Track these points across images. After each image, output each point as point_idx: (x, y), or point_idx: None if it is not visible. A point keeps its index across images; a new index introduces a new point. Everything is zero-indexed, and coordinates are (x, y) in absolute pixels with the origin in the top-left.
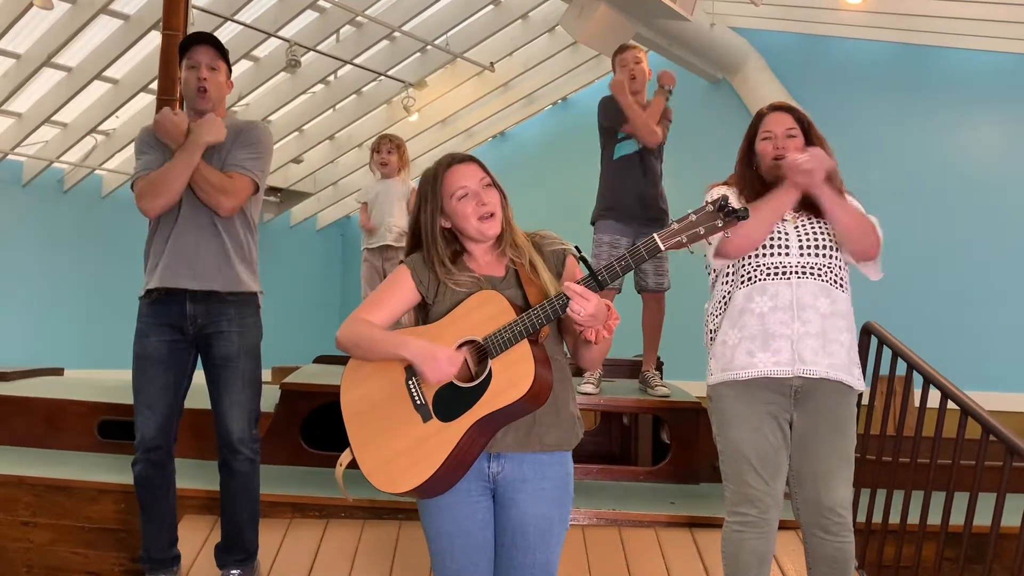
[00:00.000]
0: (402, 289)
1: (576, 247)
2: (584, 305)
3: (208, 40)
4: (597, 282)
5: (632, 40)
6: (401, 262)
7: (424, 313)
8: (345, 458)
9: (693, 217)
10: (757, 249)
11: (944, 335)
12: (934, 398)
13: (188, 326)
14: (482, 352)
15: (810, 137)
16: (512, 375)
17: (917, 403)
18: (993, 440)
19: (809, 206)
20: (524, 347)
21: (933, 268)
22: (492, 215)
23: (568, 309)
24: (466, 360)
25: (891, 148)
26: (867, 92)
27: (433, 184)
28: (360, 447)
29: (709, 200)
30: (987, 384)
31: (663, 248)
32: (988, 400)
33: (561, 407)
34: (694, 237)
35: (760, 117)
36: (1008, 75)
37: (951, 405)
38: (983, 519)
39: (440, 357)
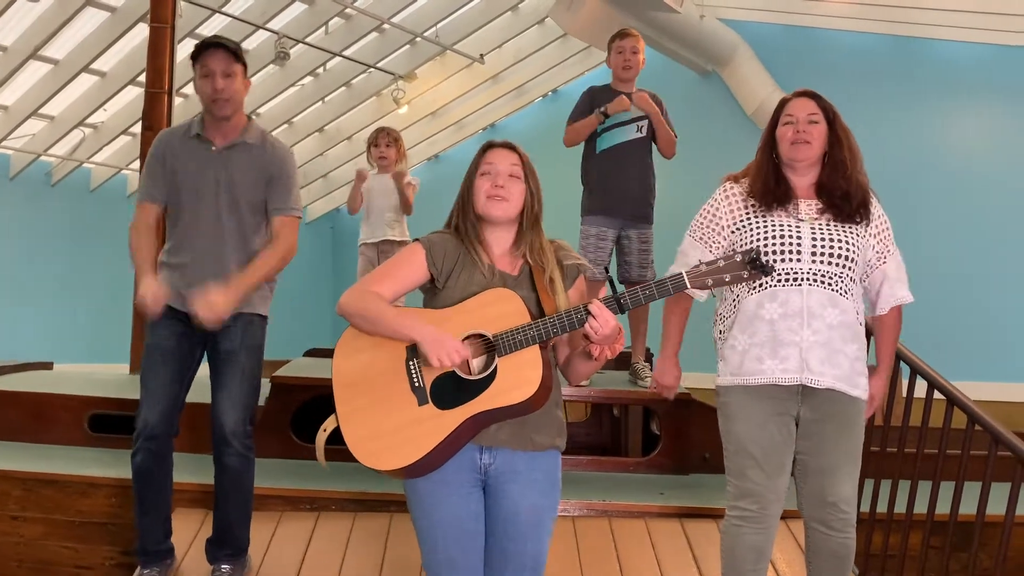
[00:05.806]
0: (413, 266)
1: (605, 268)
2: (604, 325)
3: (221, 45)
4: (619, 305)
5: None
6: (416, 240)
7: (431, 295)
8: (329, 424)
9: (721, 263)
10: (769, 255)
11: (933, 325)
12: (921, 388)
13: (194, 321)
14: (487, 347)
15: (835, 128)
16: (519, 377)
17: (905, 393)
18: (978, 429)
19: (833, 206)
20: (535, 352)
21: (920, 257)
22: (502, 199)
23: (587, 325)
24: None
25: (879, 138)
26: (855, 83)
27: (474, 161)
28: (347, 417)
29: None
30: (975, 374)
31: (688, 287)
32: (977, 390)
33: (552, 410)
34: (719, 282)
35: (784, 102)
36: (994, 66)
37: (938, 395)
38: (968, 508)
39: (448, 345)
